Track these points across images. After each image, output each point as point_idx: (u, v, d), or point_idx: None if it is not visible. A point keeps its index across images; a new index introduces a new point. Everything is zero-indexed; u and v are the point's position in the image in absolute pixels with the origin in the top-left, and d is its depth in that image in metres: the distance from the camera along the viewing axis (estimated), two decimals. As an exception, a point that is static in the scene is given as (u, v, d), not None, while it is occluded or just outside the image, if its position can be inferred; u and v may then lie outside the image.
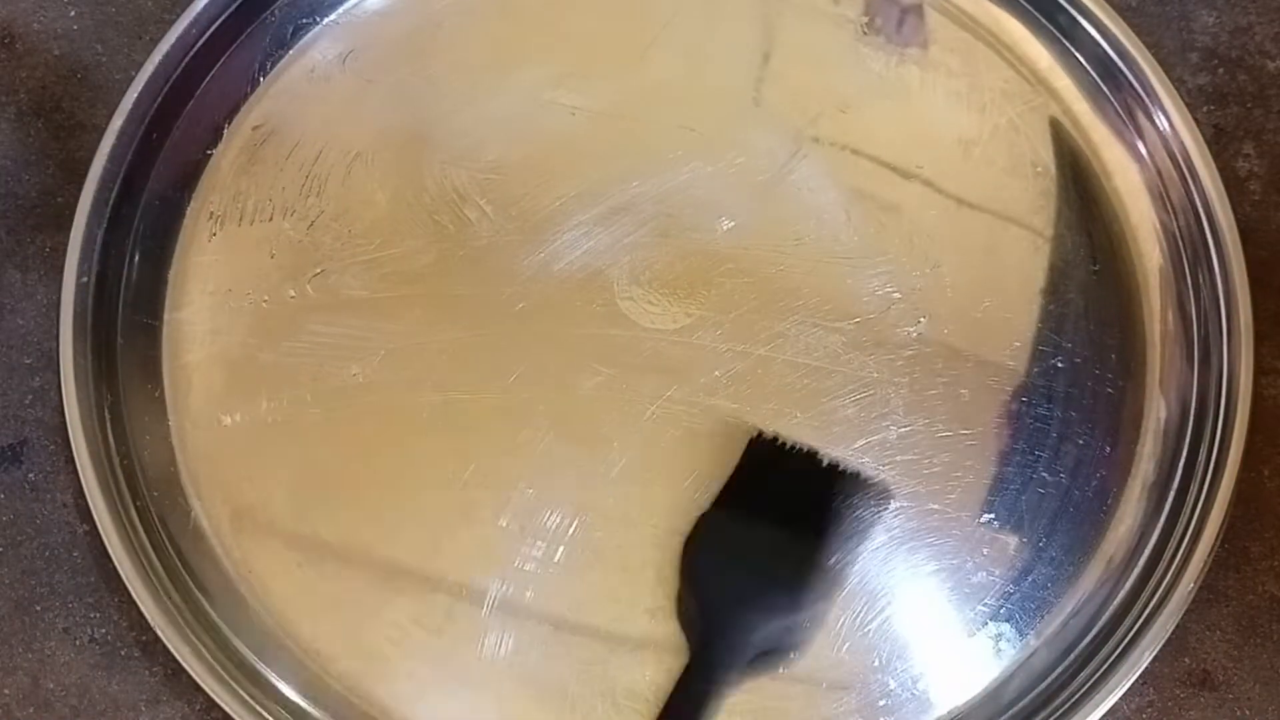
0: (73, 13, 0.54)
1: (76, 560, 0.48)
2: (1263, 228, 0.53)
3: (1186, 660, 0.48)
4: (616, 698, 0.45)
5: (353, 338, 0.49)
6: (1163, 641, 0.46)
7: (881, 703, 0.46)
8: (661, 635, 0.46)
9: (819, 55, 0.53)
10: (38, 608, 0.48)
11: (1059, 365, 0.50)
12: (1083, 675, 0.46)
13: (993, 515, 0.48)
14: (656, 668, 0.45)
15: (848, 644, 0.46)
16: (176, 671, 0.45)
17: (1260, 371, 0.50)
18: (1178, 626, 0.46)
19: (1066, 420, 0.49)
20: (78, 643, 0.47)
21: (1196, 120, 0.52)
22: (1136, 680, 0.45)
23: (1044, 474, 0.48)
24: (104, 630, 0.48)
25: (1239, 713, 0.48)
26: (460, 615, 0.46)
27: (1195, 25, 0.55)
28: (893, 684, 0.46)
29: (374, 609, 0.46)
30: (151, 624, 0.44)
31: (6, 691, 0.47)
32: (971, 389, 0.49)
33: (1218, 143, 0.53)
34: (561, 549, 0.46)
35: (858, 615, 0.46)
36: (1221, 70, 0.54)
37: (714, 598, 0.43)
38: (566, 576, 0.46)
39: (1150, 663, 0.46)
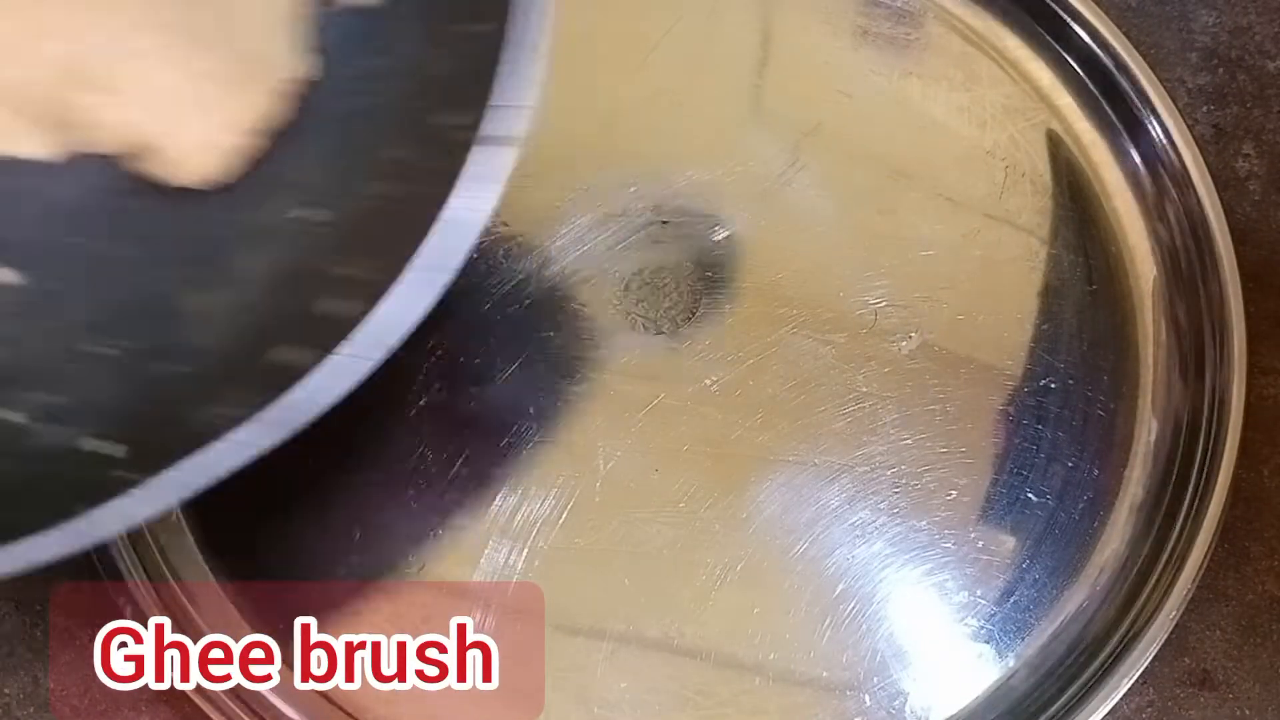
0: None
1: (76, 560, 0.49)
2: (1262, 227, 0.52)
3: (1186, 660, 0.48)
4: (591, 706, 0.45)
5: (342, 337, 0.50)
6: (1147, 661, 0.46)
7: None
8: (639, 646, 0.46)
9: (820, 66, 0.52)
10: (38, 607, 0.49)
11: (1051, 385, 0.49)
12: (1064, 698, 0.46)
13: (978, 534, 0.48)
14: (634, 678, 0.46)
15: (825, 659, 0.46)
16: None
17: (1260, 371, 0.50)
18: (1177, 626, 0.46)
19: (1056, 441, 0.49)
20: (79, 641, 0.47)
21: (1196, 120, 0.52)
22: (1136, 680, 0.46)
23: (1030, 495, 0.48)
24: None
25: (1239, 713, 0.48)
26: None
27: (1195, 25, 0.54)
28: (869, 701, 0.46)
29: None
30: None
31: (7, 691, 0.48)
32: (961, 406, 0.49)
33: (1217, 143, 0.53)
34: (542, 555, 0.47)
35: (837, 630, 0.46)
36: (1221, 70, 0.54)
37: None
38: (546, 582, 0.47)
39: (1150, 662, 0.46)
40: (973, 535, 0.47)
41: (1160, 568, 0.47)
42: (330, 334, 0.38)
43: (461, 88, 0.39)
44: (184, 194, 0.42)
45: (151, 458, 0.36)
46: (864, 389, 0.49)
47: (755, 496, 0.47)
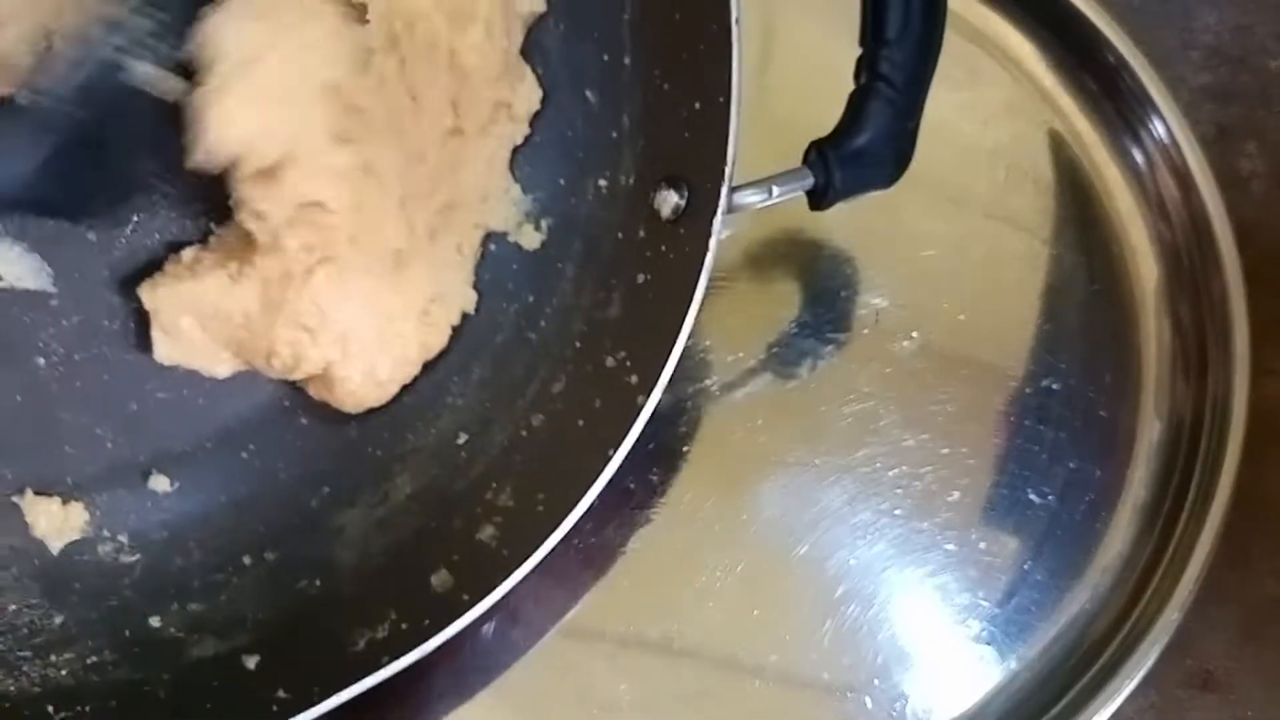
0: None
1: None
2: (1264, 227, 0.52)
3: (1188, 661, 0.48)
4: (591, 708, 0.45)
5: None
6: (1149, 663, 0.46)
7: (859, 722, 0.47)
8: (639, 648, 0.46)
9: (820, 66, 0.51)
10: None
11: (1053, 386, 0.49)
12: (1066, 700, 0.46)
13: (980, 535, 0.47)
14: (634, 680, 0.45)
15: (826, 661, 0.46)
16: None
17: (1262, 372, 0.50)
18: (1179, 627, 0.46)
19: (1057, 442, 0.49)
20: None
21: (1198, 119, 0.52)
22: (1138, 681, 0.46)
23: (1032, 496, 0.48)
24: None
25: (1241, 713, 0.48)
26: None
27: (1197, 24, 0.55)
28: (870, 703, 0.46)
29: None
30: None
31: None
32: (963, 407, 0.49)
33: (1220, 142, 0.53)
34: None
35: (838, 632, 0.46)
36: (1224, 69, 0.54)
37: None
38: (546, 582, 0.46)
39: (1152, 663, 0.46)
40: (974, 536, 0.47)
41: (1162, 569, 0.47)
42: (475, 562, 0.40)
43: (627, 333, 0.42)
44: (345, 416, 0.44)
45: (284, 670, 0.38)
46: (865, 389, 0.49)
47: (756, 497, 0.47)
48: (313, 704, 0.36)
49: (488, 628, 0.45)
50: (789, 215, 0.51)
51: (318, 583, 0.41)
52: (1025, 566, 0.47)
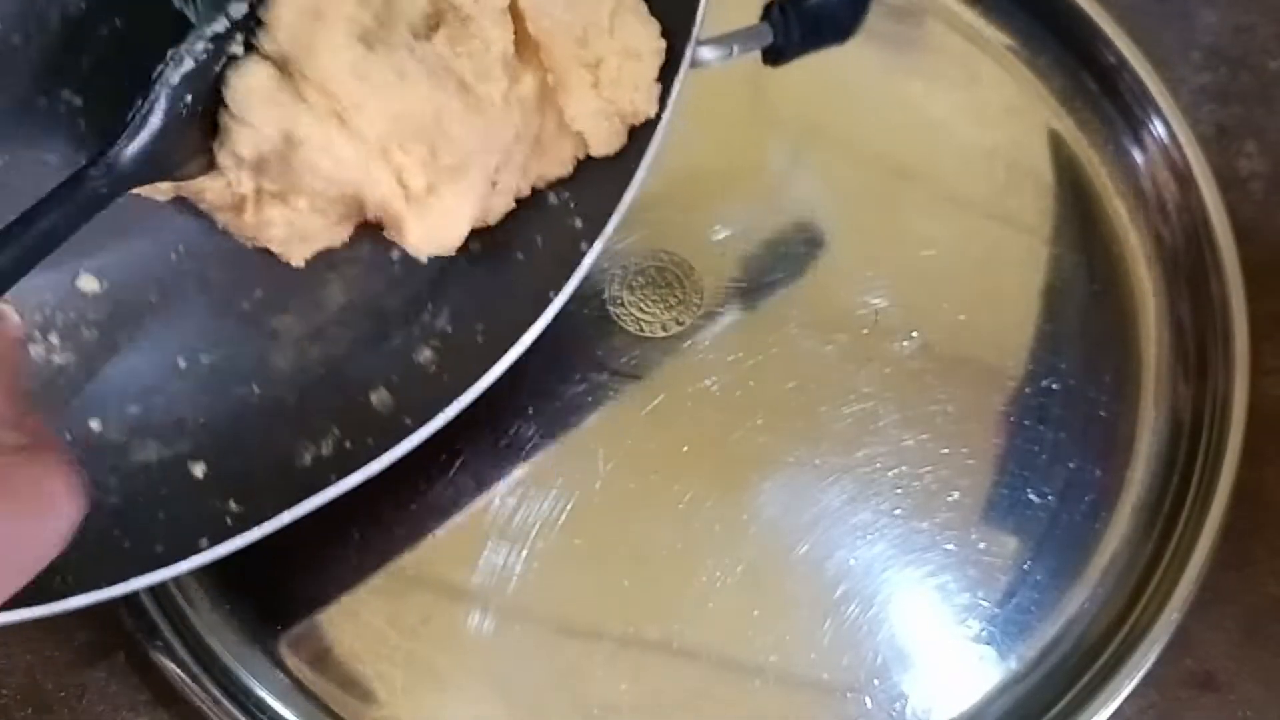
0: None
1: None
2: (1264, 228, 0.52)
3: (1189, 661, 0.48)
4: (591, 708, 0.45)
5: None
6: (1149, 663, 0.46)
7: (859, 722, 0.47)
8: (639, 648, 0.46)
9: (820, 66, 0.51)
10: (36, 608, 0.49)
11: (1053, 386, 0.49)
12: (1066, 700, 0.46)
13: (980, 535, 0.47)
14: (634, 680, 0.46)
15: (826, 661, 0.46)
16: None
17: (1262, 372, 0.50)
18: (1179, 627, 0.46)
19: (1057, 442, 0.48)
20: (77, 643, 0.48)
21: (1198, 119, 0.52)
22: (1138, 682, 0.45)
23: (1032, 496, 0.48)
24: (104, 630, 0.48)
25: (1241, 714, 0.48)
26: (437, 619, 0.46)
27: (1197, 24, 0.55)
28: (869, 703, 0.46)
29: (351, 610, 0.47)
30: (125, 626, 0.45)
31: (6, 691, 0.48)
32: (963, 407, 0.49)
33: (1220, 142, 0.53)
34: (542, 556, 0.47)
35: (838, 632, 0.46)
36: (1223, 69, 0.54)
37: None
38: (545, 584, 0.47)
39: (1152, 664, 0.46)
40: (974, 536, 0.47)
41: (1162, 569, 0.47)
42: (415, 384, 0.39)
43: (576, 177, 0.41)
44: None
45: (232, 481, 0.38)
46: (865, 389, 0.49)
47: (756, 497, 0.47)
48: (267, 517, 0.36)
49: (487, 624, 0.46)
50: (788, 215, 0.51)
51: (256, 389, 0.41)
52: (1025, 566, 0.47)
